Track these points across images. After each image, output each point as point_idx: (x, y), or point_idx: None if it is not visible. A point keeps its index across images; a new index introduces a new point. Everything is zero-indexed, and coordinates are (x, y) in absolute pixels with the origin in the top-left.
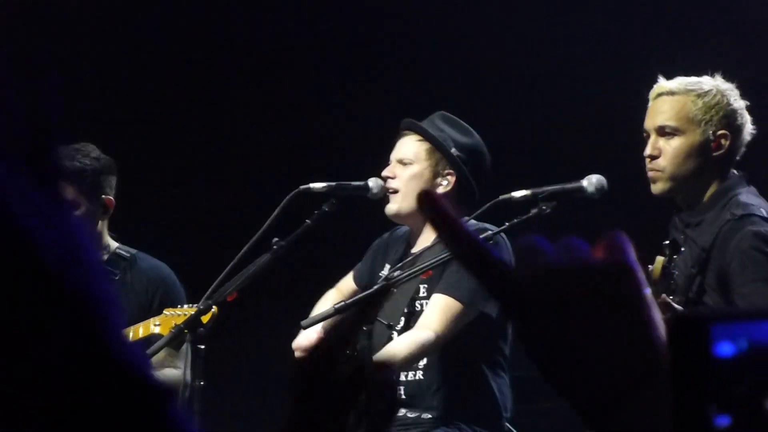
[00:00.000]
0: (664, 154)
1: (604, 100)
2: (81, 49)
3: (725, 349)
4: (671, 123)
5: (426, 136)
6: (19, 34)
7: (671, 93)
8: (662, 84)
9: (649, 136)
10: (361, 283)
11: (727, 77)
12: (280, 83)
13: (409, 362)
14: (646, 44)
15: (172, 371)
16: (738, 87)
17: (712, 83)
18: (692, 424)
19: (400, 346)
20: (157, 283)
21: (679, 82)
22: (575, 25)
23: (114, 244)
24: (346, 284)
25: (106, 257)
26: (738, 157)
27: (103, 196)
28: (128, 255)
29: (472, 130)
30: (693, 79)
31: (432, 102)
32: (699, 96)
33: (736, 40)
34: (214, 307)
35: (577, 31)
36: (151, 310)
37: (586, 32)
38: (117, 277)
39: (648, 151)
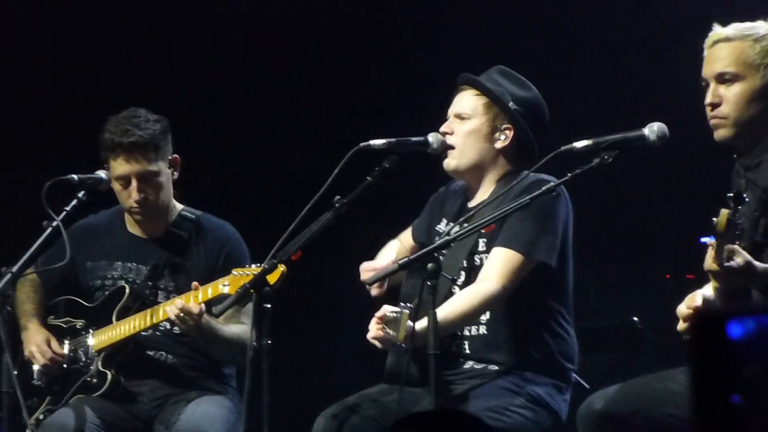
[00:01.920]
0: (726, 101)
1: (663, 47)
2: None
3: (736, 331)
4: (731, 69)
5: (483, 90)
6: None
7: (728, 39)
8: (718, 31)
9: (707, 85)
10: (419, 238)
11: None
12: (340, 42)
13: (474, 315)
14: None
15: (239, 326)
16: None
17: (767, 27)
18: (708, 406)
19: (463, 299)
20: (223, 242)
21: (735, 28)
22: None
23: (179, 206)
24: (406, 237)
25: (173, 218)
26: None
27: (170, 156)
28: (193, 216)
29: (529, 83)
30: (748, 24)
31: (489, 56)
32: (756, 41)
33: None
34: (281, 266)
35: None
36: (217, 268)
37: None
38: (185, 235)
39: (708, 99)
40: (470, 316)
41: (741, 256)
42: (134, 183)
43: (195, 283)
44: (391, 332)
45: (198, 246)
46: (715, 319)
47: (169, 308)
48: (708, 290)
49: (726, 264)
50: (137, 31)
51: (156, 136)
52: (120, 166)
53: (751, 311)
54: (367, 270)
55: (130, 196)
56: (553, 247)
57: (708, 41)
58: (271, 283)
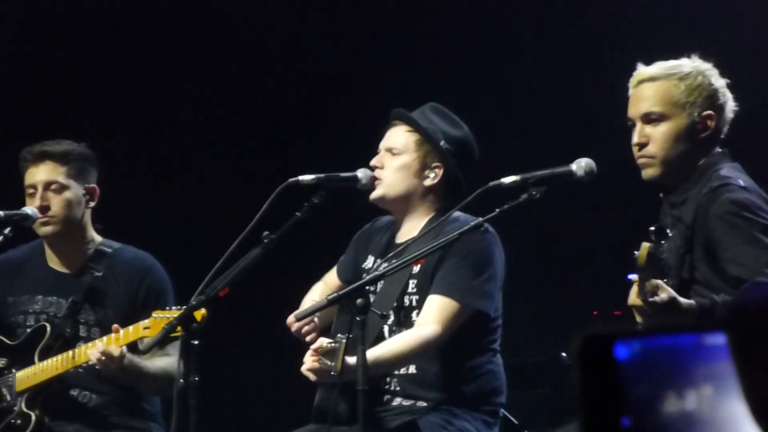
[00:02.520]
0: (653, 141)
1: (591, 84)
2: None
3: (623, 352)
4: (656, 109)
5: (416, 127)
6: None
7: (652, 79)
8: (642, 71)
9: (634, 125)
10: (345, 277)
11: (705, 57)
12: (269, 76)
13: (409, 359)
14: (631, 28)
15: (165, 359)
16: (715, 66)
17: (691, 65)
18: (601, 429)
19: (400, 341)
20: (143, 273)
21: (659, 67)
22: (561, 12)
23: (98, 239)
24: (332, 277)
25: (90, 252)
26: (723, 135)
27: (91, 184)
28: (111, 250)
29: (461, 122)
30: (672, 62)
31: (421, 91)
32: (680, 79)
33: (713, 21)
34: (203, 309)
35: (561, 16)
36: (138, 300)
37: (571, 18)
38: (100, 273)
39: (635, 139)
40: (405, 359)
41: (665, 292)
42: (39, 190)
43: (115, 326)
44: (328, 362)
45: (118, 278)
46: (601, 341)
47: (91, 351)
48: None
49: (650, 299)
50: (58, 62)
51: (70, 153)
52: (29, 177)
53: (637, 332)
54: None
55: (36, 207)
56: (490, 295)
57: (633, 81)
58: (198, 320)
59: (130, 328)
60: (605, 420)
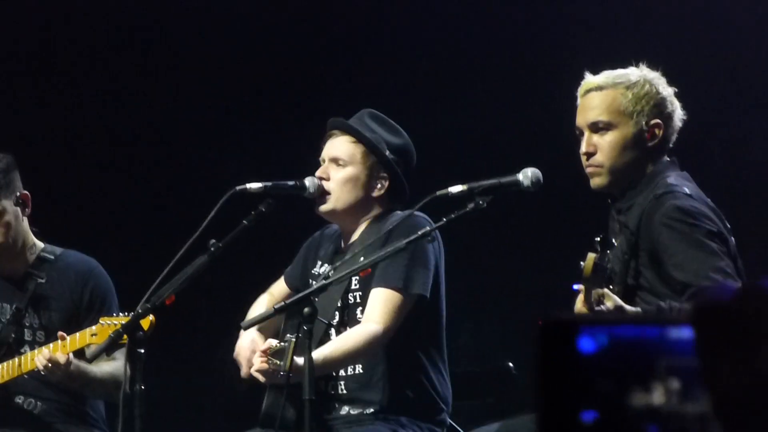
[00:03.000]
0: (600, 150)
1: (537, 92)
2: None
3: (588, 345)
4: (603, 118)
5: (362, 139)
6: None
7: (599, 88)
8: (589, 80)
9: (582, 134)
10: (293, 285)
11: (652, 66)
12: (214, 82)
13: (357, 355)
14: (579, 36)
15: (112, 363)
16: (663, 74)
17: (638, 74)
18: (558, 422)
19: (347, 339)
20: (86, 276)
21: (606, 76)
22: (508, 19)
23: (40, 245)
24: (278, 288)
25: (32, 258)
26: (671, 144)
27: (18, 193)
28: (53, 255)
29: (400, 128)
30: (619, 71)
31: (361, 97)
32: (628, 88)
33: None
34: (152, 316)
35: (506, 23)
36: (83, 304)
37: (518, 25)
38: (43, 280)
39: (583, 148)
40: (354, 356)
41: (611, 300)
42: None
43: (61, 333)
44: (277, 362)
45: (62, 283)
46: (564, 330)
47: (37, 358)
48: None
49: (596, 308)
50: None
51: None
52: None
53: (603, 321)
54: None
55: None
56: (427, 279)
57: (580, 90)
58: (144, 329)
59: (77, 334)
60: (565, 414)
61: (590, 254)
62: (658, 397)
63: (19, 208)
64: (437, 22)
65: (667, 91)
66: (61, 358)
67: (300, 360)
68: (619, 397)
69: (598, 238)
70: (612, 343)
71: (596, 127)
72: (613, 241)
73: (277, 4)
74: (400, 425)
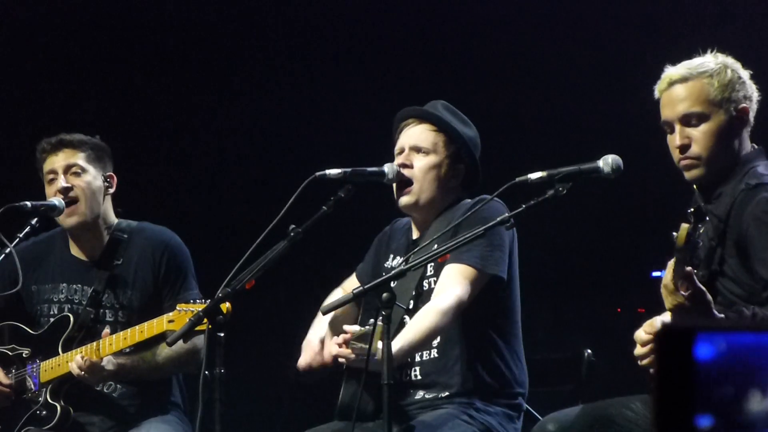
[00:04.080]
0: (696, 142)
1: (618, 81)
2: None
3: (705, 352)
4: (696, 109)
5: (445, 127)
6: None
7: (684, 79)
8: (671, 72)
9: (670, 128)
10: (365, 280)
11: (721, 52)
12: (293, 74)
13: (438, 330)
14: (654, 26)
15: (194, 340)
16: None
17: (716, 61)
18: (674, 427)
19: (425, 317)
20: (162, 248)
21: (688, 67)
22: (587, 8)
23: (115, 222)
24: (350, 283)
25: (108, 238)
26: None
27: (109, 172)
28: (127, 234)
29: (468, 120)
30: (697, 60)
31: (437, 86)
32: (712, 76)
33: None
34: (228, 303)
35: (588, 12)
36: (160, 276)
37: (599, 15)
38: (119, 261)
39: (678, 141)
40: (434, 332)
41: (693, 287)
42: (60, 175)
43: (106, 331)
44: (362, 345)
45: (138, 258)
46: (681, 337)
47: (70, 365)
48: (667, 317)
49: (680, 287)
50: (67, 59)
51: (86, 142)
52: (48, 165)
53: (720, 328)
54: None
55: (57, 188)
56: (502, 260)
57: (661, 84)
58: (224, 312)
59: (155, 321)
60: (682, 420)
61: (684, 225)
62: None
63: (105, 185)
64: (515, 7)
65: (745, 73)
66: (95, 363)
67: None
68: (737, 403)
69: (691, 209)
70: (729, 349)
71: (688, 119)
72: (707, 216)
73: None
74: (474, 408)
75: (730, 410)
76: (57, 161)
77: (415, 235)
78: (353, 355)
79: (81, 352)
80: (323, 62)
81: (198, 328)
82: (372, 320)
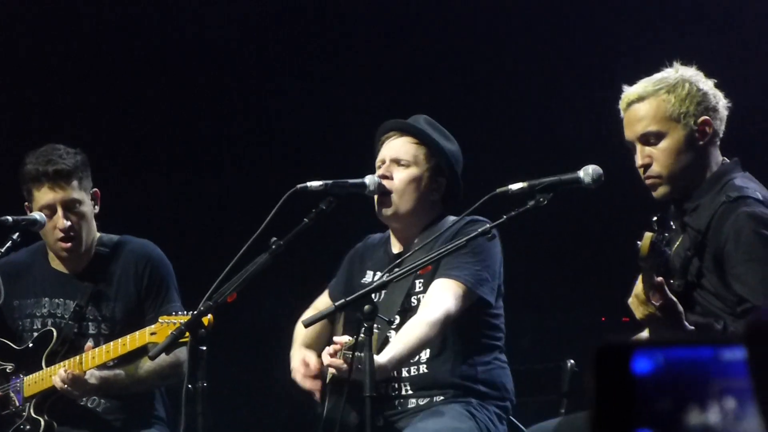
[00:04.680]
0: (656, 160)
1: (598, 89)
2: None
3: (643, 365)
4: (652, 128)
5: (426, 141)
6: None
7: (641, 98)
8: (629, 92)
9: (634, 147)
10: (337, 297)
11: (686, 62)
12: (274, 85)
13: (425, 342)
14: (634, 34)
15: (176, 353)
16: (699, 68)
17: (675, 75)
18: None
19: (412, 329)
20: (145, 260)
21: (644, 85)
22: (561, 19)
23: (97, 236)
24: (322, 302)
25: (92, 253)
26: (722, 135)
27: (93, 189)
28: (109, 247)
29: (451, 135)
30: (656, 77)
31: (419, 99)
32: (668, 92)
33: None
34: (210, 315)
35: (562, 24)
36: (142, 287)
37: (572, 25)
38: (103, 275)
39: (639, 161)
40: (421, 344)
41: (664, 298)
42: (60, 211)
43: (88, 344)
44: (351, 354)
45: (122, 270)
46: (618, 353)
47: (54, 378)
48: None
49: (651, 297)
50: (50, 66)
51: (78, 167)
52: (45, 195)
53: (658, 344)
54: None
55: (56, 226)
56: (492, 286)
57: (622, 104)
58: (206, 325)
59: (137, 334)
60: (619, 430)
61: (647, 233)
62: (713, 416)
63: (92, 204)
64: (491, 21)
65: (708, 85)
66: (78, 376)
67: (379, 359)
68: (675, 416)
69: (655, 218)
70: (667, 363)
71: (647, 139)
72: (672, 224)
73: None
74: (472, 406)
75: (669, 424)
76: (54, 197)
77: (395, 249)
78: (345, 366)
79: (64, 366)
80: (305, 75)
81: (180, 341)
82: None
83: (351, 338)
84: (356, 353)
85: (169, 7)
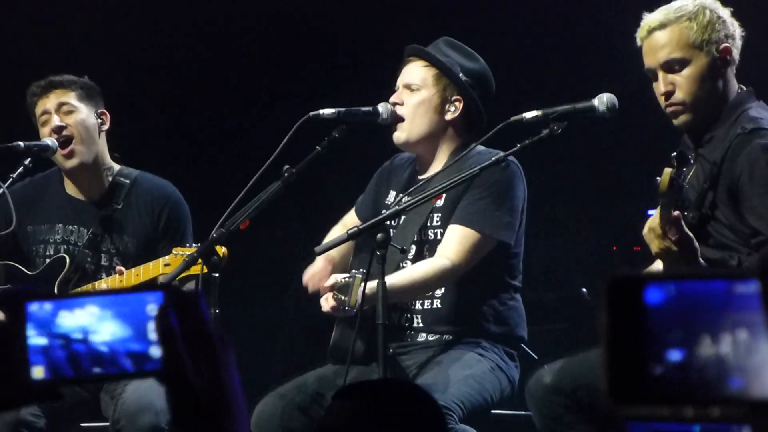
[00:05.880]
0: (679, 87)
1: (612, 18)
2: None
3: (656, 296)
4: (676, 55)
5: (433, 61)
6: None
7: (662, 26)
8: (649, 19)
9: (654, 75)
10: (364, 215)
11: None
12: (288, 10)
13: (427, 288)
14: None
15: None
16: None
17: (695, 2)
18: (625, 372)
19: (418, 270)
20: (162, 202)
21: (665, 12)
22: None
23: (116, 167)
24: (350, 218)
25: (109, 182)
26: (737, 63)
27: (101, 109)
28: (129, 180)
29: (476, 54)
30: (675, 4)
31: (437, 27)
32: (690, 19)
33: None
34: (224, 249)
35: None
36: (158, 229)
37: None
38: (119, 206)
39: (662, 89)
40: (424, 288)
41: (680, 232)
42: (53, 114)
43: (119, 268)
44: (342, 297)
45: (139, 207)
46: (630, 284)
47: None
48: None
49: (667, 231)
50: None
51: (75, 81)
52: (40, 106)
53: (671, 276)
54: (310, 278)
55: (52, 129)
56: (512, 226)
57: (641, 32)
58: (220, 255)
59: (150, 264)
60: (632, 364)
61: (666, 169)
62: (725, 347)
63: (98, 121)
64: None
65: (725, 12)
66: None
67: (369, 289)
68: (688, 349)
69: (675, 154)
70: (679, 295)
71: (670, 66)
72: (690, 159)
73: None
74: (481, 347)
75: (680, 355)
76: (48, 102)
77: (419, 172)
78: (329, 307)
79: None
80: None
81: (193, 268)
82: (354, 270)
83: (342, 279)
84: (342, 296)
85: None
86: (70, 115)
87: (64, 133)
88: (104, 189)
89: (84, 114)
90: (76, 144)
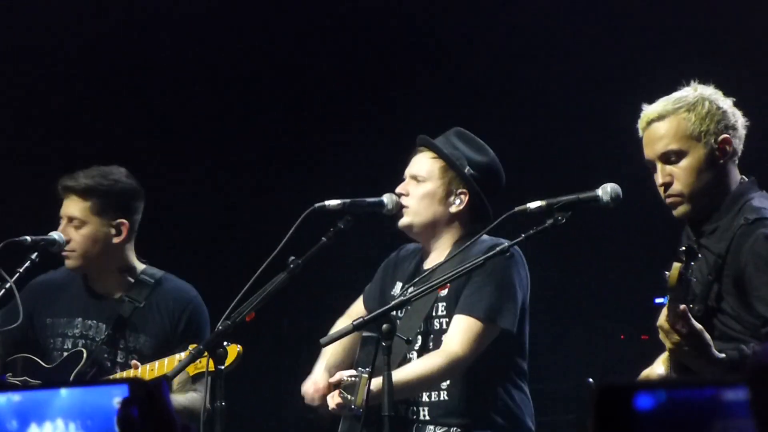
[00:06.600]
0: (677, 179)
1: (616, 108)
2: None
3: (645, 403)
4: (673, 147)
5: (439, 154)
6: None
7: (661, 117)
8: (649, 111)
9: (654, 166)
10: (371, 306)
11: (704, 81)
12: (295, 104)
13: (434, 381)
14: (652, 52)
15: (193, 394)
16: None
17: (694, 93)
18: None
19: (424, 364)
20: (183, 305)
21: (664, 104)
22: (580, 38)
23: (140, 267)
24: (356, 309)
25: (131, 281)
26: (740, 153)
27: (119, 220)
28: (153, 280)
29: (486, 147)
30: (675, 95)
31: (447, 117)
32: (689, 110)
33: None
34: (239, 346)
35: (583, 43)
36: (177, 332)
37: (591, 44)
38: (141, 304)
39: (660, 180)
40: (430, 381)
41: (687, 325)
42: (65, 223)
43: (134, 362)
44: (348, 396)
45: (160, 308)
46: (620, 392)
47: None
48: (659, 368)
49: (675, 326)
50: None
51: (96, 189)
52: (63, 204)
53: (657, 385)
54: (308, 389)
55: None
56: (514, 313)
57: (641, 123)
58: (229, 359)
59: (165, 360)
60: None
61: (675, 264)
62: None
63: (111, 231)
64: (518, 41)
65: (727, 103)
66: None
67: (375, 384)
68: None
69: (684, 248)
70: (669, 402)
71: (667, 157)
72: (699, 254)
73: (359, 25)
74: None
75: None
76: (66, 207)
77: (424, 263)
78: (335, 405)
79: None
80: (325, 95)
81: (199, 361)
82: (360, 369)
83: (348, 378)
84: (348, 396)
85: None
86: (78, 230)
87: (69, 245)
88: (125, 287)
89: (94, 228)
90: (76, 257)
